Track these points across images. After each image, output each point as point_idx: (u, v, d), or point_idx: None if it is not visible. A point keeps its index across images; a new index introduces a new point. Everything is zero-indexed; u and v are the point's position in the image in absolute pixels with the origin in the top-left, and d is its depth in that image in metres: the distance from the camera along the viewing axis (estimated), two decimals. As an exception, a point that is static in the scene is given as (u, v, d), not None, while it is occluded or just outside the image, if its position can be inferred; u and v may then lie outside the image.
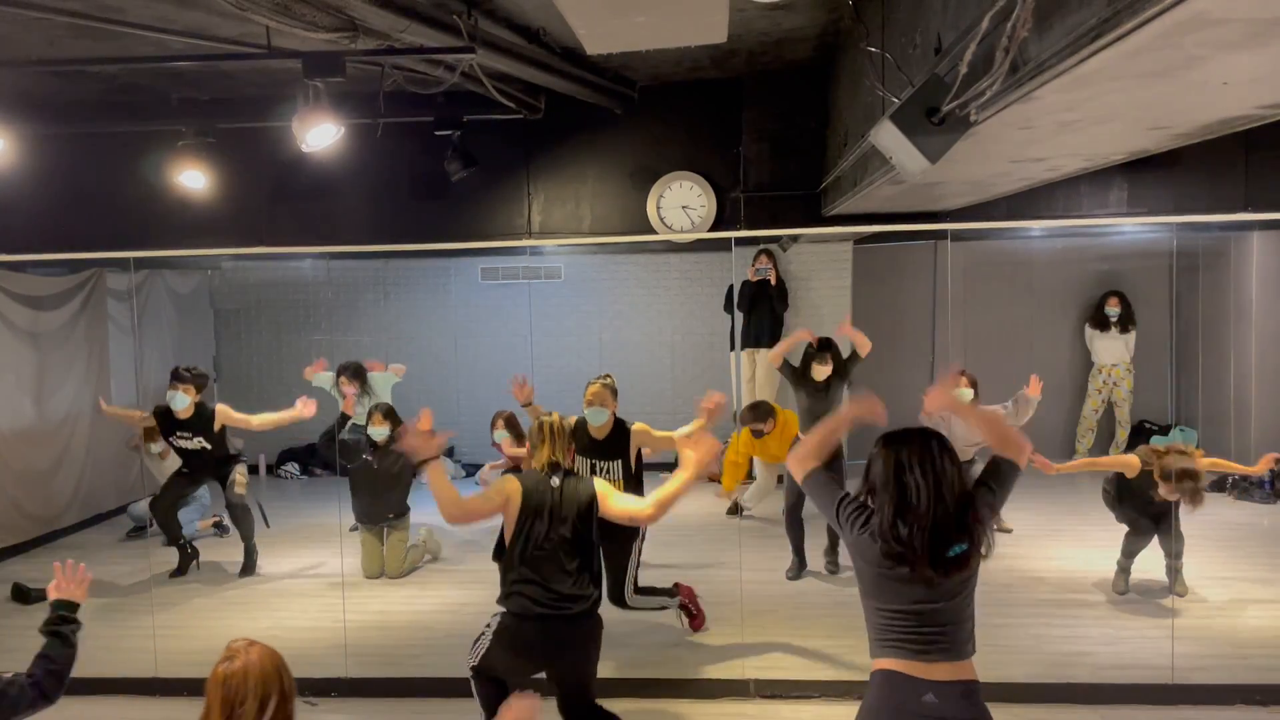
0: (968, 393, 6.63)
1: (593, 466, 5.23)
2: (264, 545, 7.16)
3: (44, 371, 7.89)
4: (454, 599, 6.24)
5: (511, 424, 7.52)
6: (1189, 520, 6.61)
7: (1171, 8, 2.11)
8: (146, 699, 5.00)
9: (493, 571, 6.95)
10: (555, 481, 3.84)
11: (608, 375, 5.48)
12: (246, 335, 10.45)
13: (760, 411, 7.17)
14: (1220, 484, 8.35)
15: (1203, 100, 3.22)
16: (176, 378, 6.63)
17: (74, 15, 5.44)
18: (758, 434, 7.32)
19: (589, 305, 10.07)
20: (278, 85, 7.88)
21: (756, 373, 8.79)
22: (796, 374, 6.71)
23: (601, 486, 3.92)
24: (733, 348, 9.01)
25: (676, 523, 7.86)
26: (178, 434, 6.66)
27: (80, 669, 5.16)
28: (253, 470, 10.18)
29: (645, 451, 5.42)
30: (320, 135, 6.04)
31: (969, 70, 3.09)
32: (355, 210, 8.87)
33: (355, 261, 10.15)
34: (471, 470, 9.87)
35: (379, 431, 6.69)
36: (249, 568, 6.88)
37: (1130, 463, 5.73)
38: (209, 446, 6.71)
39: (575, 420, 4.24)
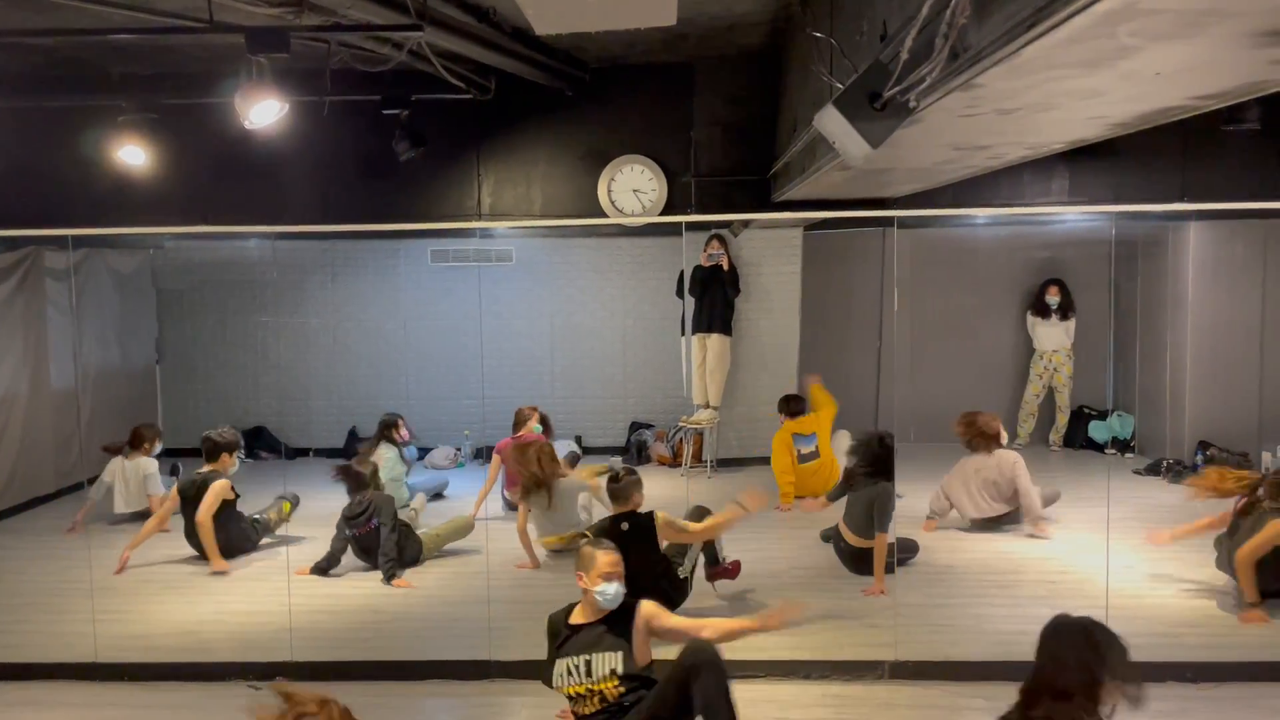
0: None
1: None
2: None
3: (-22, 352, 7.70)
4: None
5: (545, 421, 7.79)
6: (1121, 502, 6.80)
7: (1103, -3, 2.16)
8: (87, 684, 4.93)
9: (444, 556, 6.88)
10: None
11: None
12: (190, 316, 10.25)
13: (799, 401, 8.06)
14: (1155, 467, 8.58)
15: (1137, 90, 3.28)
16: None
17: (8, -15, 5.30)
18: (795, 415, 7.90)
19: (540, 289, 10.03)
20: (221, 61, 7.74)
21: (707, 358, 8.82)
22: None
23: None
24: (684, 333, 9.04)
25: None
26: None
27: (20, 655, 5.13)
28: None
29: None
30: (264, 112, 5.93)
31: (910, 57, 3.12)
32: (301, 189, 8.73)
33: (302, 242, 9.99)
34: (422, 453, 9.82)
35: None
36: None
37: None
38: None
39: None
